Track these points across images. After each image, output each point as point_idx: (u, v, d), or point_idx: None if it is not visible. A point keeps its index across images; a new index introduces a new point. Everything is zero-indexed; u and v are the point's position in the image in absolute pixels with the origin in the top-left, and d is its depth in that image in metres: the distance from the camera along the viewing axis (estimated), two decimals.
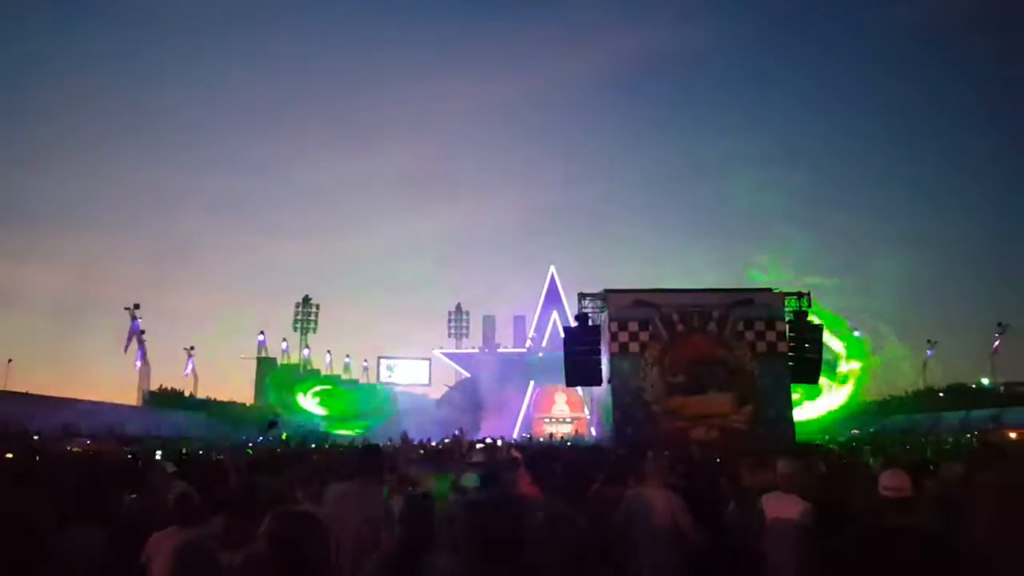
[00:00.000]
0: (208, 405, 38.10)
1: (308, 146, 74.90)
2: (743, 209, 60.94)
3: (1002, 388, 35.16)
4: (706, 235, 65.35)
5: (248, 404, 41.03)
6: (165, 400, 36.49)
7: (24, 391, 27.98)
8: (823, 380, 29.54)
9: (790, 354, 24.59)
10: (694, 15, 68.92)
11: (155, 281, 57.48)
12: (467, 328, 45.62)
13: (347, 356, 46.14)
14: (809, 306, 25.18)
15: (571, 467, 7.45)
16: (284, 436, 26.15)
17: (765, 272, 37.94)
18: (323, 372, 44.28)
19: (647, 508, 4.88)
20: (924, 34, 65.98)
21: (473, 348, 44.59)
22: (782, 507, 4.65)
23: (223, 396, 40.63)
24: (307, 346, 45.03)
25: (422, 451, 14.72)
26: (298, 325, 44.87)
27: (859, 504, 4.59)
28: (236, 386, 53.91)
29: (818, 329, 25.41)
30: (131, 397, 35.59)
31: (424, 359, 45.29)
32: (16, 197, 56.67)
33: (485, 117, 76.75)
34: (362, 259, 68.56)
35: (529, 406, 40.09)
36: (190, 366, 39.50)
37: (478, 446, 15.07)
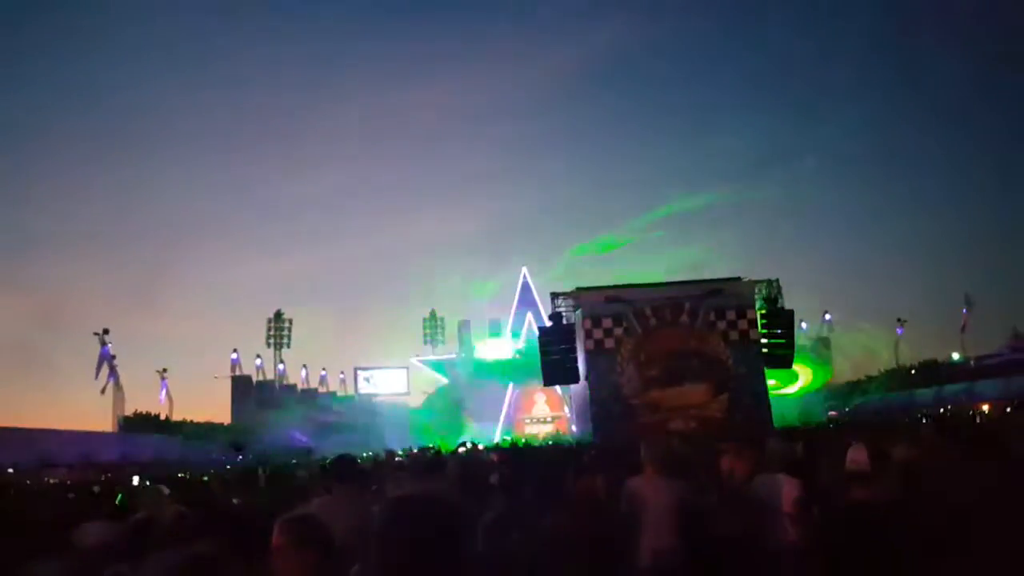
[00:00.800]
0: (183, 427, 37.53)
1: (271, 163, 74.30)
2: (713, 207, 61.44)
3: (972, 363, 35.65)
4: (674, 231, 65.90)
5: (225, 424, 40.50)
6: (140, 424, 35.84)
7: None
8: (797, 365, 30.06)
9: (763, 341, 25.04)
10: (660, 16, 69.83)
11: (123, 305, 56.62)
12: (442, 334, 45.68)
13: (323, 369, 45.76)
14: (779, 293, 25.65)
15: (547, 465, 7.69)
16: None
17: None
18: (300, 386, 43.89)
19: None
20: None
21: (450, 354, 44.60)
22: (773, 488, 4.75)
23: (200, 417, 39.97)
24: (281, 361, 44.59)
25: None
26: (271, 341, 44.42)
27: (830, 479, 4.81)
28: (211, 406, 53.13)
29: (789, 315, 25.81)
30: (106, 423, 34.94)
31: (402, 367, 45.13)
32: None
33: (449, 125, 76.91)
34: (332, 271, 68.10)
35: (510, 408, 40.24)
36: (164, 391, 38.89)
37: (460, 450, 15.22)
